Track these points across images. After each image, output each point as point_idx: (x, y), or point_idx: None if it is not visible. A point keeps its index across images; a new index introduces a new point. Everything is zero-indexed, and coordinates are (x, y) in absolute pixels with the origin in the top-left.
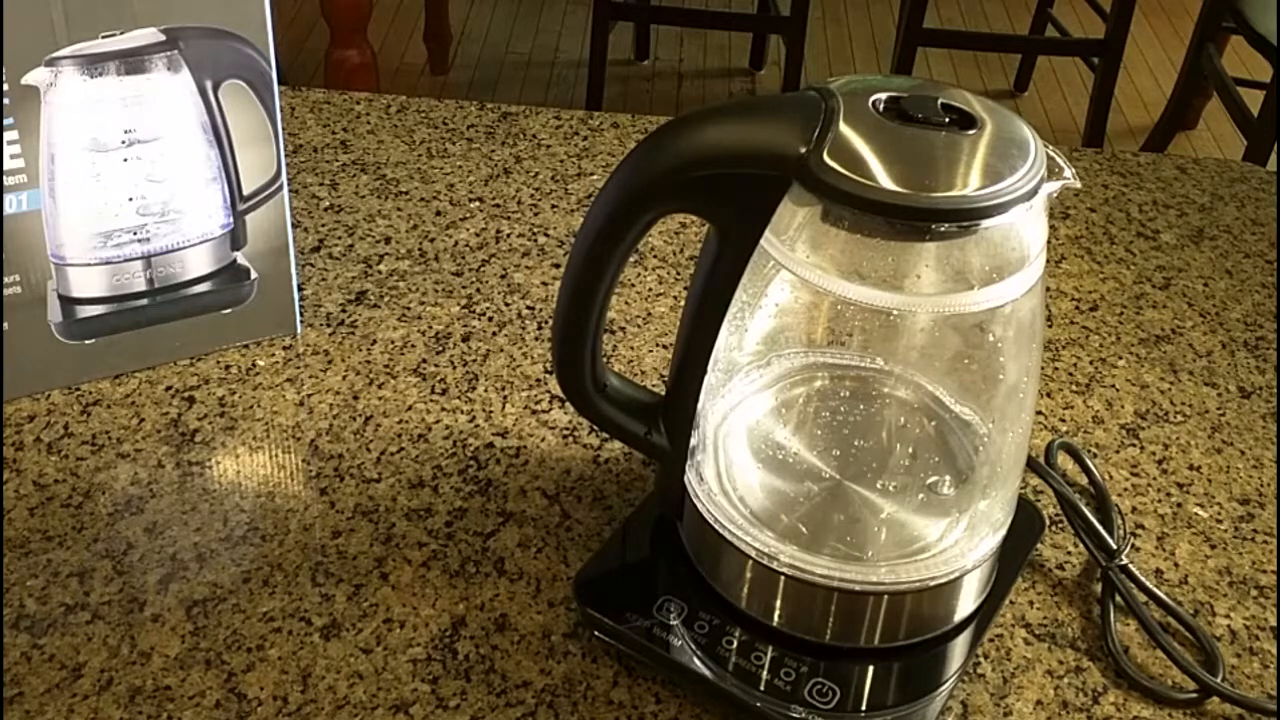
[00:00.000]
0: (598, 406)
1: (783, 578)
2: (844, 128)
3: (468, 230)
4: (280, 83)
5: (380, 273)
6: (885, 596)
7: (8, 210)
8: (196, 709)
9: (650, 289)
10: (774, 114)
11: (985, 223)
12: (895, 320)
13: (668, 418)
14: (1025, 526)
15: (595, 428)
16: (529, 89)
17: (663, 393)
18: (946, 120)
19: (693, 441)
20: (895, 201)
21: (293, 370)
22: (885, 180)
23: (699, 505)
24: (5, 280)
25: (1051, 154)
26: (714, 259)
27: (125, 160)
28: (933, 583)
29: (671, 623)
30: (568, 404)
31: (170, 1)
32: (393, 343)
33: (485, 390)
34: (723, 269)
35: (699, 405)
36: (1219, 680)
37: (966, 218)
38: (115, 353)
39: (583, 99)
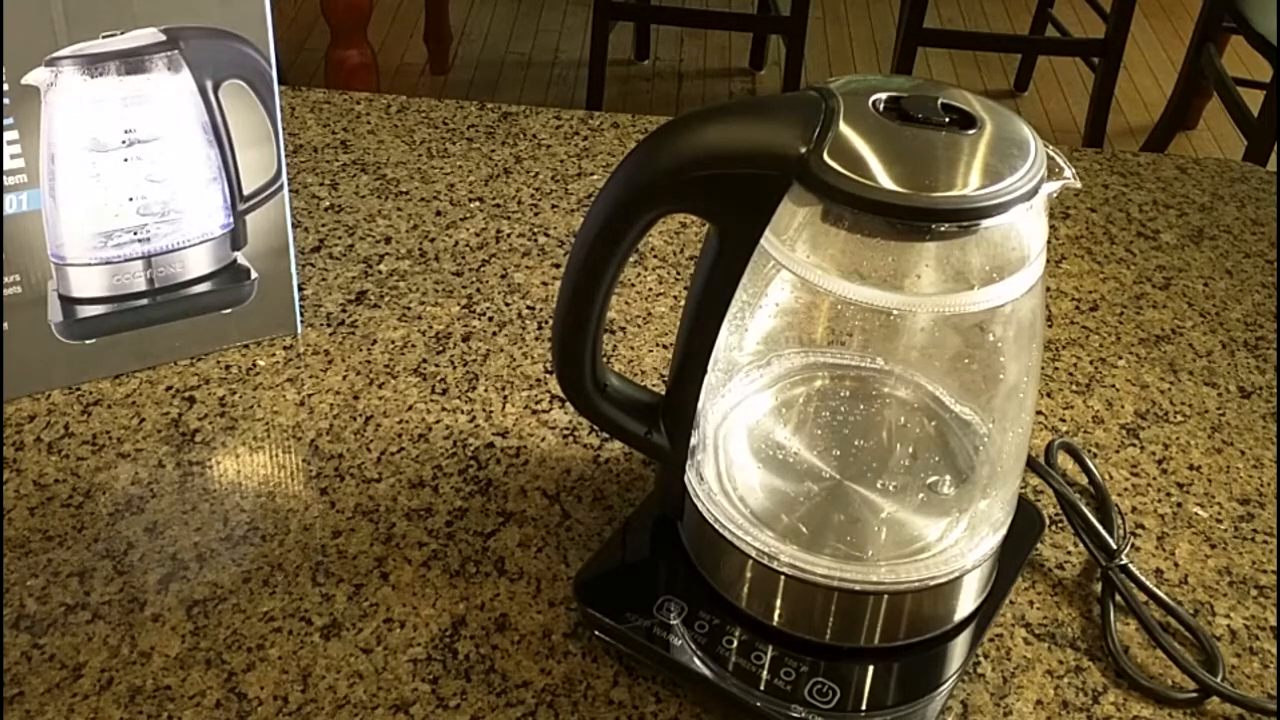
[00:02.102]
0: (598, 406)
1: (783, 577)
2: (844, 128)
3: (468, 230)
4: (280, 83)
5: (380, 273)
6: (885, 596)
7: (8, 210)
8: (196, 709)
9: (650, 289)
10: (774, 114)
11: (985, 223)
12: (895, 320)
13: (668, 418)
14: (1025, 526)
15: (595, 428)
16: (529, 89)
17: (663, 393)
18: (946, 120)
19: (693, 441)
20: (895, 201)
21: (293, 370)
22: (885, 180)
23: (699, 505)
24: (5, 280)
25: (1051, 154)
26: (714, 259)
27: (125, 160)
28: (933, 582)
29: (671, 622)
30: (568, 404)
31: (170, 1)
32: (393, 343)
33: (485, 390)
34: (723, 269)
35: (699, 405)
36: (1219, 680)
37: (966, 218)
38: (115, 353)
39: (583, 99)
